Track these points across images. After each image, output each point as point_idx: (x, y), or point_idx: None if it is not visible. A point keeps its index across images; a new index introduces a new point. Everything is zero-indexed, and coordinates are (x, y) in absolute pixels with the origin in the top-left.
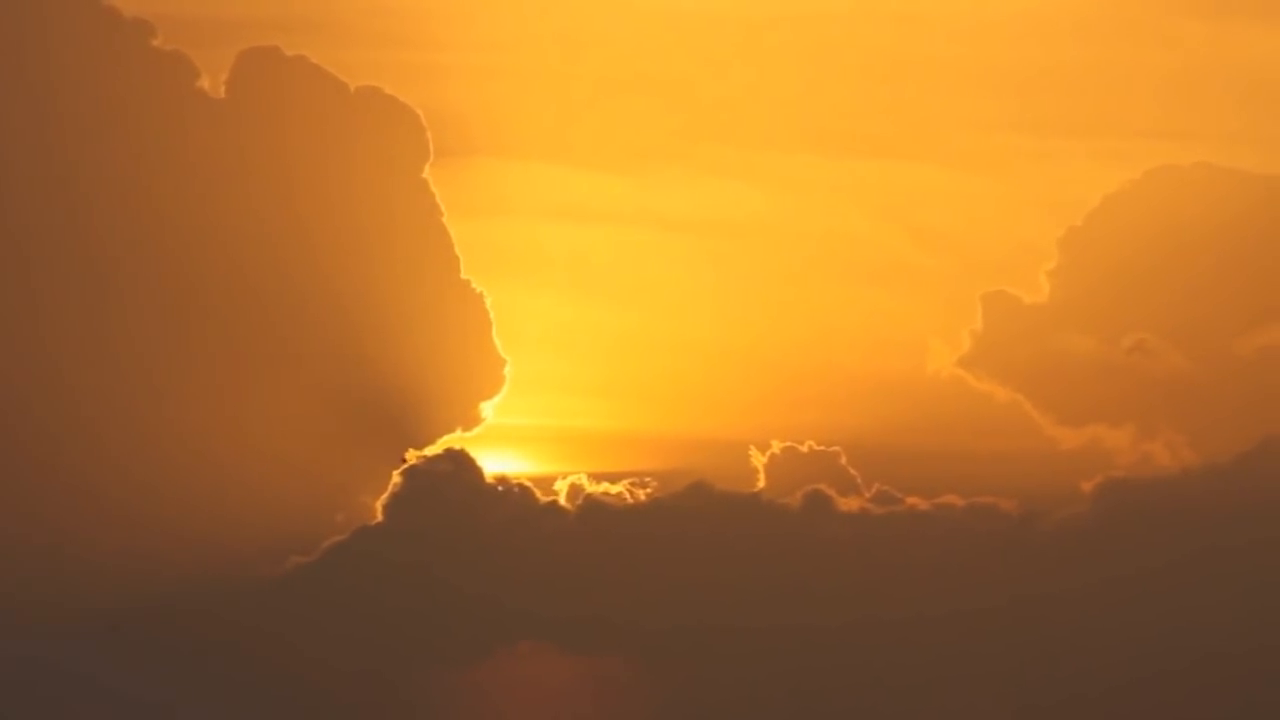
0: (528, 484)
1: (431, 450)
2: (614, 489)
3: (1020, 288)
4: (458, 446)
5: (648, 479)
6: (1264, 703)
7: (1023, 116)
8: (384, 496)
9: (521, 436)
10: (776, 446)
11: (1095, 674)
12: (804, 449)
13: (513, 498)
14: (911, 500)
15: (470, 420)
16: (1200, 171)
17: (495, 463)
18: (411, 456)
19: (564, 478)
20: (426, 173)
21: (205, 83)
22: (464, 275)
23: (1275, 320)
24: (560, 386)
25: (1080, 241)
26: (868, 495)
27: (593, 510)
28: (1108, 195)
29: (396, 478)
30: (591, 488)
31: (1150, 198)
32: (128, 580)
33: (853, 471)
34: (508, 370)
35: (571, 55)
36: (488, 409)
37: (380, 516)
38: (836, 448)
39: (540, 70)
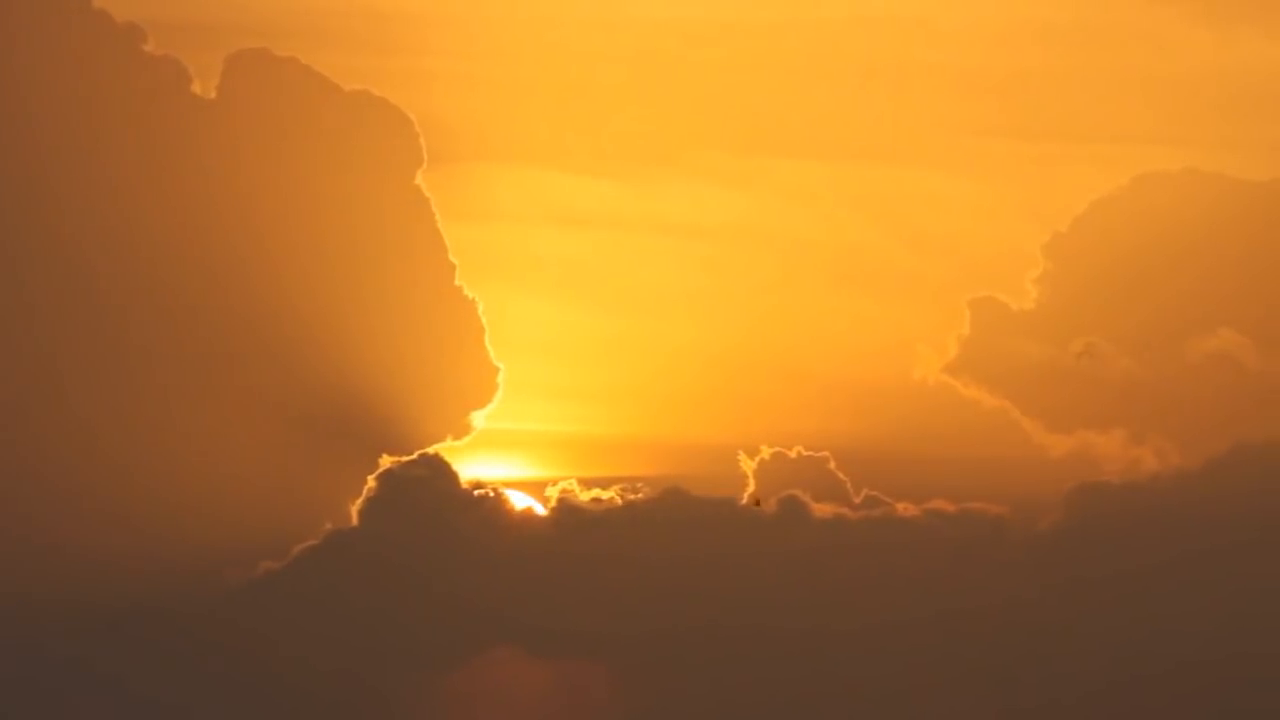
0: (502, 489)
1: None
2: (605, 494)
3: (1008, 293)
4: (431, 451)
5: (639, 484)
6: (1250, 707)
7: (1013, 121)
8: (358, 501)
9: (514, 442)
10: (766, 452)
11: (1082, 677)
12: (792, 454)
13: (487, 503)
14: (902, 505)
15: (461, 429)
16: (1188, 177)
17: (487, 468)
18: (385, 462)
19: (555, 483)
20: (419, 178)
21: (197, 87)
22: (456, 282)
23: (1248, 325)
24: (551, 392)
25: (1066, 248)
26: (857, 500)
27: (567, 515)
28: (1094, 201)
29: (371, 482)
30: (582, 493)
31: (1138, 204)
32: (106, 580)
33: (842, 476)
34: (500, 377)
35: (564, 61)
36: (479, 418)
37: (355, 521)
38: (825, 453)
39: (533, 76)
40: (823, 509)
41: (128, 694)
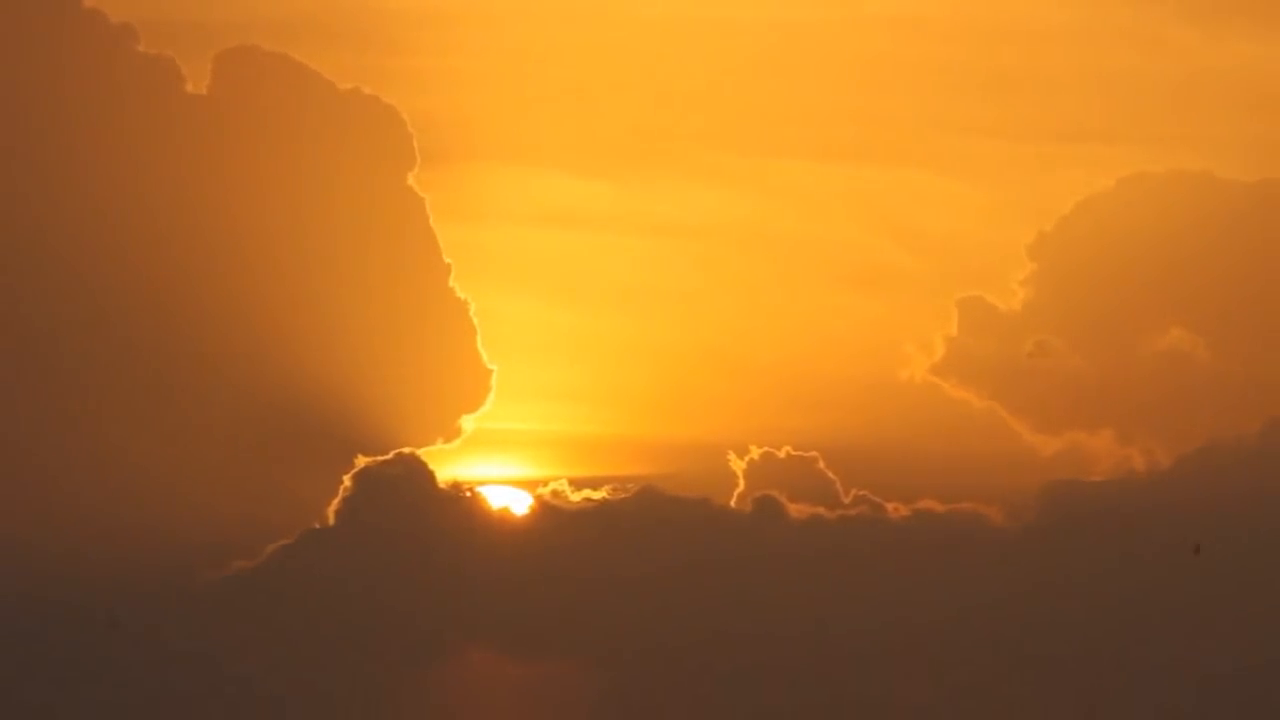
0: (479, 489)
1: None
2: (596, 495)
3: (995, 293)
4: (408, 451)
5: (630, 484)
6: (1235, 701)
7: (1000, 121)
8: (335, 501)
9: (505, 442)
10: (755, 452)
11: (1075, 675)
12: (781, 454)
13: (463, 503)
14: (892, 506)
15: (452, 431)
16: (1175, 178)
17: (479, 469)
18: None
19: (546, 484)
20: (412, 178)
21: (190, 87)
22: (450, 283)
23: (1231, 325)
24: (542, 392)
25: (1051, 248)
26: (846, 500)
27: (546, 516)
28: (1080, 201)
29: (347, 482)
30: (573, 494)
31: (1124, 204)
32: (77, 578)
33: (831, 476)
34: (493, 379)
35: (557, 61)
36: (470, 420)
37: (331, 521)
38: (814, 453)
39: (527, 76)
40: (804, 510)
41: (97, 693)
